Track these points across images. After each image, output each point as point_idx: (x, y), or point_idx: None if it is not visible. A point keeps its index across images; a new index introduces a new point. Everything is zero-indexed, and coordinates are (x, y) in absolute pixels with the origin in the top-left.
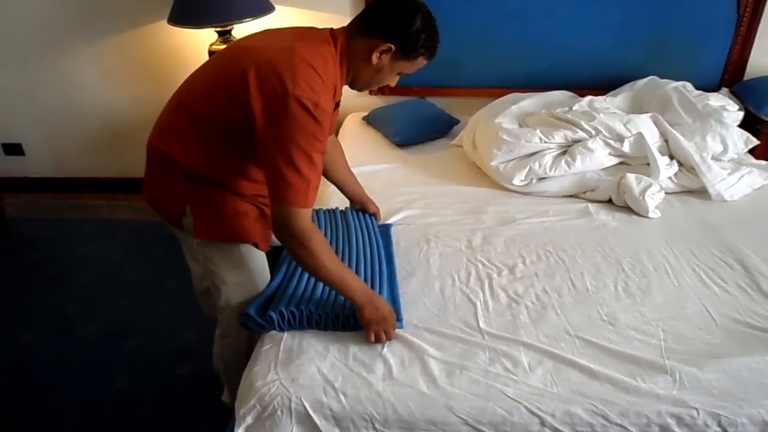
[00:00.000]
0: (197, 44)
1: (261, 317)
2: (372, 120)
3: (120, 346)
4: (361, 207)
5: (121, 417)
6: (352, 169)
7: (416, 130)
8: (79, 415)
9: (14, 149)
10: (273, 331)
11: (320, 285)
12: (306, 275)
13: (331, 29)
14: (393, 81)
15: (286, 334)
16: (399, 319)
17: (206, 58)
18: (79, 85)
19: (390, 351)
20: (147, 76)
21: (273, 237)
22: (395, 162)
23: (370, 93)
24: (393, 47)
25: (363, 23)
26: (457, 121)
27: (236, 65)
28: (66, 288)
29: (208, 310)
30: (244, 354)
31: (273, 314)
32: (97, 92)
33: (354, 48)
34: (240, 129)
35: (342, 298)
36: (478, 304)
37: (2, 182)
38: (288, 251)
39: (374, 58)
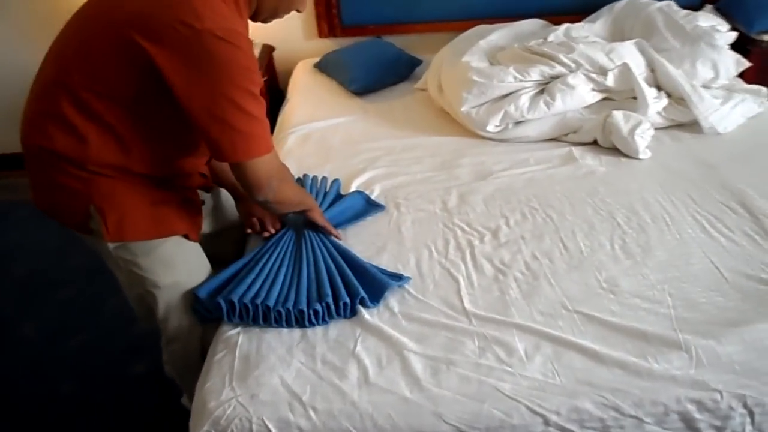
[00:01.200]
0: None
1: (210, 302)
2: (324, 67)
3: (64, 345)
4: (241, 205)
5: (67, 429)
6: (303, 126)
7: (374, 75)
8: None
9: None
10: (226, 335)
11: (281, 275)
12: (269, 265)
13: None
14: (302, 2)
15: (241, 338)
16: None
17: None
18: None
19: (364, 348)
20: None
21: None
22: (354, 113)
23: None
24: None
25: None
26: (420, 62)
27: (113, 24)
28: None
29: (146, 319)
30: (198, 355)
31: (221, 302)
32: (8, 54)
33: None
34: (148, 96)
35: (305, 288)
36: (461, 279)
37: None
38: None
39: None
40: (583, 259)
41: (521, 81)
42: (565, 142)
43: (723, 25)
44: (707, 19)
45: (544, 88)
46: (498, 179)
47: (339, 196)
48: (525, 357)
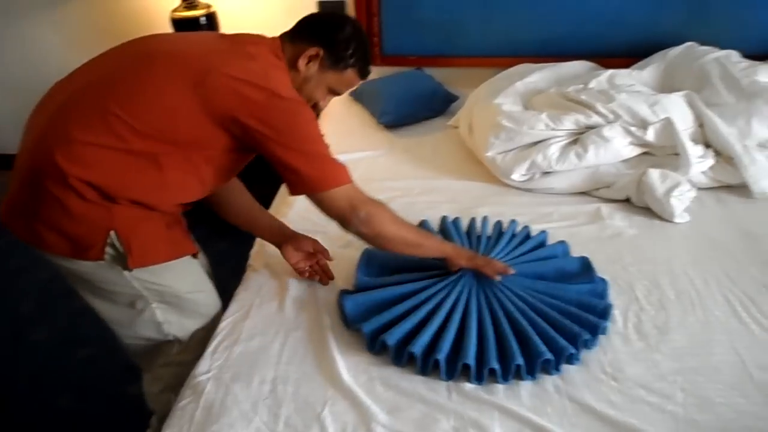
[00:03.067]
0: (160, 10)
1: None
2: (359, 96)
3: (70, 356)
4: (291, 247)
5: None
6: None
7: (407, 108)
8: None
9: None
10: (196, 381)
11: (453, 324)
12: (443, 312)
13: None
14: (323, 98)
15: (209, 385)
16: None
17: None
18: (43, 53)
19: (332, 413)
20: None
21: None
22: (380, 148)
23: None
24: (321, 53)
25: (292, 33)
26: (456, 97)
27: (181, 76)
28: (23, 284)
29: (147, 360)
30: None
31: (389, 345)
32: (61, 60)
33: (285, 53)
34: (213, 146)
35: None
36: None
37: None
38: (363, 240)
39: (301, 64)
40: None
41: (553, 129)
42: (596, 197)
43: None
44: None
45: (578, 138)
46: None
47: (539, 244)
48: None
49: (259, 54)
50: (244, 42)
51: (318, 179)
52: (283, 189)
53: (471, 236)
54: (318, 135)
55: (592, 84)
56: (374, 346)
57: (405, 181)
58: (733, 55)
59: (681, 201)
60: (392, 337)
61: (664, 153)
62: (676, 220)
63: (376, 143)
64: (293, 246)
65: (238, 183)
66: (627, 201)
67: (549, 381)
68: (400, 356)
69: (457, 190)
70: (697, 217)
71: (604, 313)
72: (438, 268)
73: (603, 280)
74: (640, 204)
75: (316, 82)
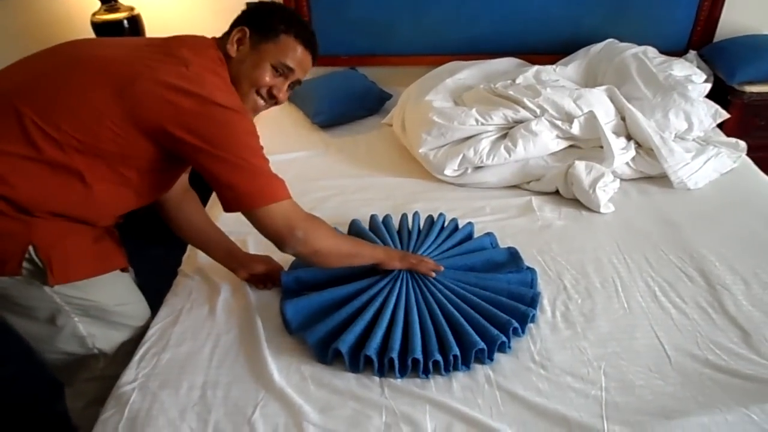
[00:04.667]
0: (81, 14)
1: (326, 350)
2: (292, 97)
3: None
4: (244, 272)
5: None
6: None
7: (341, 107)
8: None
9: None
10: (120, 391)
11: (399, 321)
12: (387, 311)
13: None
14: (269, 76)
15: (135, 395)
16: None
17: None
18: None
19: (262, 415)
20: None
21: None
22: (315, 148)
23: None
24: (246, 30)
25: (224, 34)
26: (389, 96)
27: (106, 83)
28: None
29: (69, 374)
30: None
31: (342, 351)
32: None
33: (222, 51)
34: (141, 158)
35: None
36: None
37: None
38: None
39: (231, 49)
40: None
41: (483, 124)
42: (527, 190)
43: (699, 76)
44: (683, 68)
45: (507, 132)
46: None
47: (466, 236)
48: None
49: (195, 57)
50: (180, 45)
51: (254, 195)
52: None
53: (402, 232)
54: (256, 147)
55: (519, 80)
56: (326, 356)
57: (340, 180)
58: (650, 51)
59: (606, 192)
60: (345, 344)
61: (589, 146)
62: (602, 210)
63: (311, 143)
64: (246, 271)
65: (196, 203)
66: (556, 193)
67: (480, 372)
68: (354, 362)
69: (392, 187)
70: (621, 207)
71: (533, 301)
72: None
73: (531, 270)
74: (568, 196)
75: (252, 60)
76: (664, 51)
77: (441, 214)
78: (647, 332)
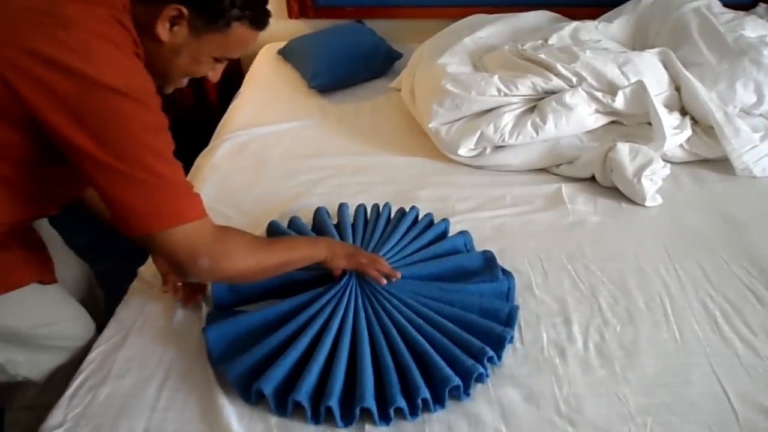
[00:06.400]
0: None
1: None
2: (288, 55)
3: None
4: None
5: None
6: (244, 131)
7: (342, 69)
8: None
9: None
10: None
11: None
12: (326, 344)
13: None
14: (208, 68)
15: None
16: None
17: None
18: None
19: None
20: None
21: None
22: (309, 117)
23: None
24: (184, 11)
25: None
26: (400, 55)
27: None
28: None
29: (4, 399)
30: None
31: (268, 394)
32: None
33: (136, 17)
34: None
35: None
36: None
37: None
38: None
39: (162, 31)
40: (541, 361)
41: (506, 95)
42: (556, 175)
43: None
44: (757, 27)
45: (535, 105)
46: (456, 225)
47: (438, 236)
48: None
49: (82, 18)
50: (66, 1)
51: (150, 216)
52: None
53: (366, 229)
54: (159, 148)
55: (553, 39)
56: (249, 395)
57: (335, 158)
58: (715, 4)
59: (653, 182)
60: (269, 384)
61: (634, 123)
62: (648, 203)
63: (305, 111)
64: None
65: None
66: (591, 180)
67: (490, 424)
68: (283, 406)
69: (395, 168)
70: (671, 199)
71: (510, 319)
72: (317, 270)
73: (508, 276)
74: (606, 183)
75: (192, 52)
76: (730, 5)
77: (413, 207)
78: (706, 374)
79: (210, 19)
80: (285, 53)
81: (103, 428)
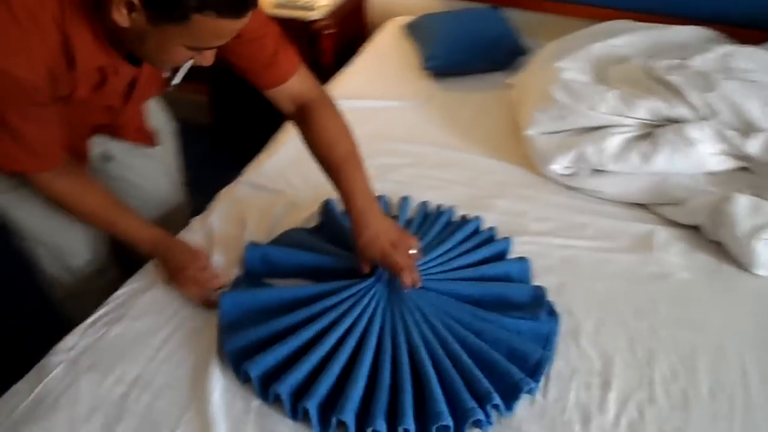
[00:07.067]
0: None
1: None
2: (413, 31)
3: None
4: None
5: None
6: (344, 101)
7: (460, 55)
8: None
9: None
10: (47, 360)
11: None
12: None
13: None
14: (185, 55)
15: (58, 370)
16: None
17: None
18: None
19: None
20: None
21: None
22: (413, 98)
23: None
24: (135, 0)
25: None
26: (524, 51)
27: None
28: None
29: None
30: None
31: (284, 397)
32: None
33: None
34: None
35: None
36: None
37: None
38: None
39: (117, 17)
40: (558, 424)
41: (620, 115)
42: (655, 215)
43: None
44: None
45: (650, 132)
46: (525, 245)
47: (497, 254)
48: None
49: None
50: None
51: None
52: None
53: (419, 230)
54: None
55: (695, 61)
56: (239, 372)
57: (421, 147)
58: None
59: None
60: (285, 387)
61: (764, 172)
62: (756, 270)
63: (410, 93)
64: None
65: (317, 120)
66: (695, 229)
67: None
68: (295, 410)
69: (479, 170)
70: None
71: (537, 368)
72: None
73: (553, 318)
74: (713, 237)
75: (157, 41)
76: None
77: (476, 218)
78: None
79: (165, 11)
80: (411, 28)
81: (100, 366)
